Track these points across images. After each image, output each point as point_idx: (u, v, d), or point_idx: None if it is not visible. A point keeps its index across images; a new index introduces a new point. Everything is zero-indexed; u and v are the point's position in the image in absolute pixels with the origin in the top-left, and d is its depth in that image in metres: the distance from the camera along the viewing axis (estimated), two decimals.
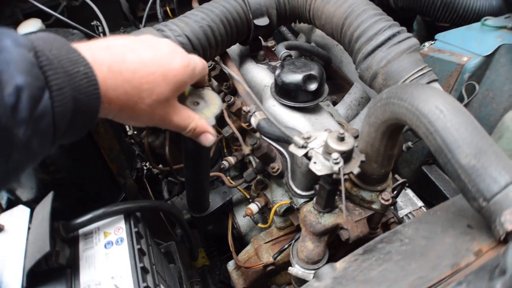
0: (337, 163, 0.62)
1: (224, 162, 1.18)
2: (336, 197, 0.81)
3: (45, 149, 0.43)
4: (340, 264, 0.55)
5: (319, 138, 0.69)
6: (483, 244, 0.48)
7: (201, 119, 0.66)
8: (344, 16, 0.91)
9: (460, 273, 0.45)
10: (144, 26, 1.35)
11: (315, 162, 0.66)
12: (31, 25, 1.38)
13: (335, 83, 1.45)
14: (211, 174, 1.16)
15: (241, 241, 1.26)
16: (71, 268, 0.73)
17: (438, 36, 1.30)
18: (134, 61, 0.54)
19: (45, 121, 0.40)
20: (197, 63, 0.63)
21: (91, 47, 0.50)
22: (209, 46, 0.94)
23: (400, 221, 0.96)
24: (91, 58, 0.47)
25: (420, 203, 1.21)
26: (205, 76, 0.70)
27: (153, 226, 1.56)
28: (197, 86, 0.72)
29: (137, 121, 0.58)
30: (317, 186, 0.77)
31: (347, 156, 0.64)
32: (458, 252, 0.48)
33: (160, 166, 1.24)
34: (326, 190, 0.74)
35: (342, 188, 0.61)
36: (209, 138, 0.68)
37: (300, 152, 0.68)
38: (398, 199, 1.21)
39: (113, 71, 0.51)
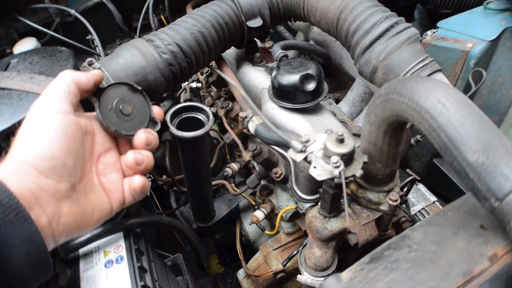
0: (337, 167, 0.59)
1: (227, 169, 1.15)
2: (342, 201, 0.77)
3: None
4: (345, 275, 0.51)
5: (318, 140, 0.66)
6: (498, 247, 0.44)
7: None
8: (338, 11, 0.88)
9: (473, 282, 0.41)
10: (139, 37, 1.34)
11: (315, 167, 0.62)
12: (27, 44, 1.38)
13: (337, 80, 1.42)
14: (215, 182, 1.13)
15: (251, 248, 1.23)
16: None
17: (440, 23, 1.26)
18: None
19: None
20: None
21: None
22: (201, 53, 0.92)
23: (412, 219, 0.92)
24: None
25: (433, 198, 1.17)
26: (80, 83, 0.60)
27: (163, 237, 1.55)
28: (84, 94, 0.62)
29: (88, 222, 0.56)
30: (321, 190, 0.74)
31: (348, 158, 0.61)
32: (471, 257, 0.44)
33: (164, 177, 1.22)
34: (330, 194, 0.70)
35: (344, 193, 0.58)
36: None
37: (298, 157, 0.65)
38: (410, 195, 1.17)
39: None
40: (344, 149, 0.59)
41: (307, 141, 0.66)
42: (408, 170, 0.96)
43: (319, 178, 0.61)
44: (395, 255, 0.50)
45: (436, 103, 0.49)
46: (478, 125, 0.47)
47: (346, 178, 0.60)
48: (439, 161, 1.40)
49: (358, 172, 0.61)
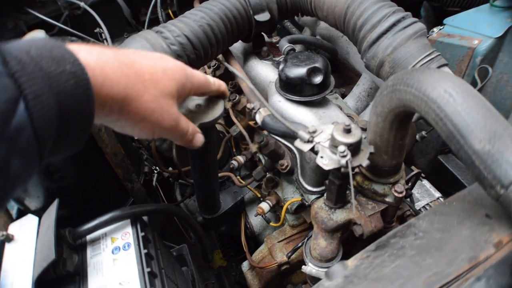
0: (344, 156, 0.59)
1: (233, 161, 1.16)
2: (348, 192, 0.78)
3: (31, 167, 0.38)
4: (351, 262, 0.52)
5: (325, 131, 0.67)
6: (503, 234, 0.45)
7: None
8: (346, 5, 0.88)
9: (479, 268, 0.42)
10: None
11: (322, 157, 0.63)
12: (35, 36, 1.39)
13: (343, 75, 1.42)
14: (221, 174, 1.14)
15: (255, 241, 1.24)
16: (79, 275, 0.72)
17: (447, 20, 1.26)
18: (131, 55, 0.51)
19: (24, 136, 0.35)
20: (196, 72, 0.61)
21: (82, 46, 0.45)
22: (209, 45, 0.92)
23: (416, 213, 0.92)
24: (81, 54, 0.42)
25: (437, 194, 1.17)
26: (220, 89, 0.70)
27: (168, 230, 1.57)
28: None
29: (144, 124, 0.52)
30: (327, 181, 0.74)
31: (354, 148, 0.62)
32: (476, 244, 0.45)
33: (170, 169, 1.23)
34: (336, 185, 0.71)
35: (351, 182, 0.59)
36: (200, 137, 0.65)
37: (306, 147, 0.66)
38: (415, 191, 1.17)
39: (109, 65, 0.46)
40: (351, 139, 0.60)
41: (314, 132, 0.66)
42: (412, 167, 0.96)
43: (326, 168, 0.61)
44: (401, 243, 0.51)
45: (443, 92, 0.50)
46: (484, 114, 0.48)
47: (353, 168, 0.61)
48: (444, 158, 1.40)
49: (365, 162, 0.62)
